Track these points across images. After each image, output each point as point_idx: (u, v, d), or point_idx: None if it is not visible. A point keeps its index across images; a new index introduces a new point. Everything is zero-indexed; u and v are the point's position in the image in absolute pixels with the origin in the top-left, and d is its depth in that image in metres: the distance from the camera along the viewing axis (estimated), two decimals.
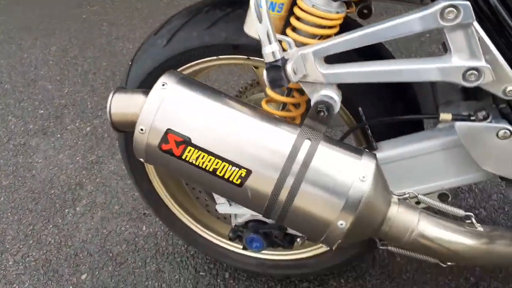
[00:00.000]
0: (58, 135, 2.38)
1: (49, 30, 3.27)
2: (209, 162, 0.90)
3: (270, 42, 0.84)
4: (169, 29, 1.24)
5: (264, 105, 1.06)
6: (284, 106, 1.06)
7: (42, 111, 2.56)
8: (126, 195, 2.01)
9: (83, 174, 2.14)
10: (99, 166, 2.17)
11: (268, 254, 1.45)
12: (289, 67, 0.86)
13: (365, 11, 1.17)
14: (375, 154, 0.93)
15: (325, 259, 1.40)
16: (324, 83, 0.92)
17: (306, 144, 0.89)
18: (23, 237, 1.90)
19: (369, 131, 1.02)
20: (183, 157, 0.91)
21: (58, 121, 2.47)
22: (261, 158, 0.90)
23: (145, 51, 1.27)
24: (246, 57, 1.17)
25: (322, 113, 0.90)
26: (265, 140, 0.90)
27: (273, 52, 0.85)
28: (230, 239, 1.26)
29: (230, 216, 1.26)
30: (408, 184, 1.04)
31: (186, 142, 0.90)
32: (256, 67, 1.29)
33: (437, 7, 0.83)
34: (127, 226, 1.88)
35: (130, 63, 1.32)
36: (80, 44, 3.06)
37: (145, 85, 1.26)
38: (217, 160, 0.90)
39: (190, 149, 0.90)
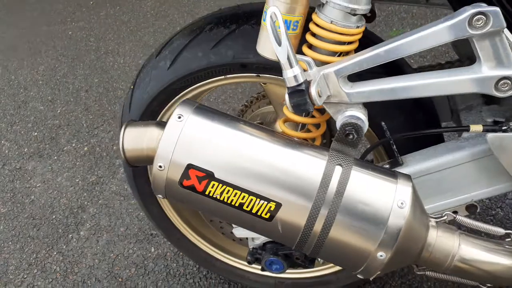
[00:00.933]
0: (55, 157, 2.33)
1: (35, 49, 3.20)
2: (234, 196, 0.85)
3: (291, 66, 0.80)
4: (172, 50, 1.19)
5: (281, 125, 1.02)
6: (303, 126, 1.02)
7: (36, 133, 2.50)
8: (131, 216, 1.96)
9: (84, 197, 2.09)
10: (100, 187, 2.12)
11: (288, 273, 1.41)
12: (313, 91, 0.82)
13: (369, 14, 1.14)
14: (410, 176, 0.89)
15: (346, 274, 1.36)
16: (349, 103, 0.88)
17: (338, 170, 0.84)
18: (27, 266, 1.85)
19: (394, 146, 0.98)
20: (207, 193, 0.86)
21: (53, 143, 2.41)
22: (291, 189, 0.85)
23: (147, 75, 1.23)
24: (255, 75, 1.13)
25: (351, 136, 0.86)
26: (294, 170, 0.85)
27: (295, 76, 0.81)
28: (249, 263, 1.22)
29: (247, 238, 1.23)
30: (436, 199, 1.01)
31: (209, 176, 0.85)
32: (265, 83, 1.25)
33: (464, 15, 0.79)
34: (135, 248, 1.84)
35: (131, 87, 1.27)
36: (69, 62, 3.00)
37: (151, 110, 1.22)
38: (243, 194, 0.85)
39: (214, 184, 0.86)
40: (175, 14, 3.23)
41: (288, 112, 0.98)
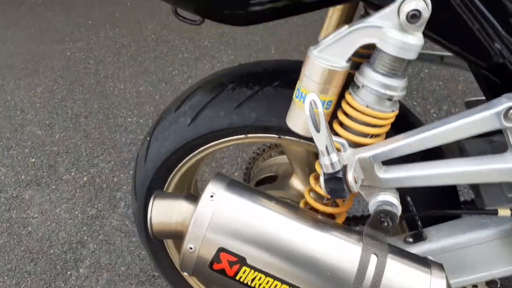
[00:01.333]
0: (53, 187, 2.28)
1: (32, 69, 3.14)
2: (266, 284, 0.83)
3: (329, 153, 0.79)
4: (192, 107, 1.18)
5: (307, 196, 1.01)
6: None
7: (33, 160, 2.45)
8: (132, 254, 1.93)
9: (84, 231, 2.05)
10: (101, 222, 2.08)
11: None
12: (350, 177, 0.81)
13: None
14: (442, 266, 0.88)
15: None
16: (382, 187, 0.88)
17: (373, 260, 0.83)
18: None
19: (419, 222, 0.98)
20: (237, 278, 0.84)
21: (51, 171, 2.37)
22: (327, 279, 0.83)
23: (166, 129, 1.21)
24: (277, 136, 1.12)
25: (385, 223, 0.85)
26: (330, 259, 0.84)
27: (332, 164, 0.80)
28: None
29: None
30: (457, 275, 1.00)
31: (241, 262, 0.83)
32: None
33: (501, 107, 0.80)
34: None
35: (148, 139, 1.26)
36: (67, 84, 2.95)
37: (168, 164, 1.21)
38: (276, 282, 0.83)
39: (245, 270, 0.83)
40: (176, 39, 3.21)
41: (314, 184, 0.97)
